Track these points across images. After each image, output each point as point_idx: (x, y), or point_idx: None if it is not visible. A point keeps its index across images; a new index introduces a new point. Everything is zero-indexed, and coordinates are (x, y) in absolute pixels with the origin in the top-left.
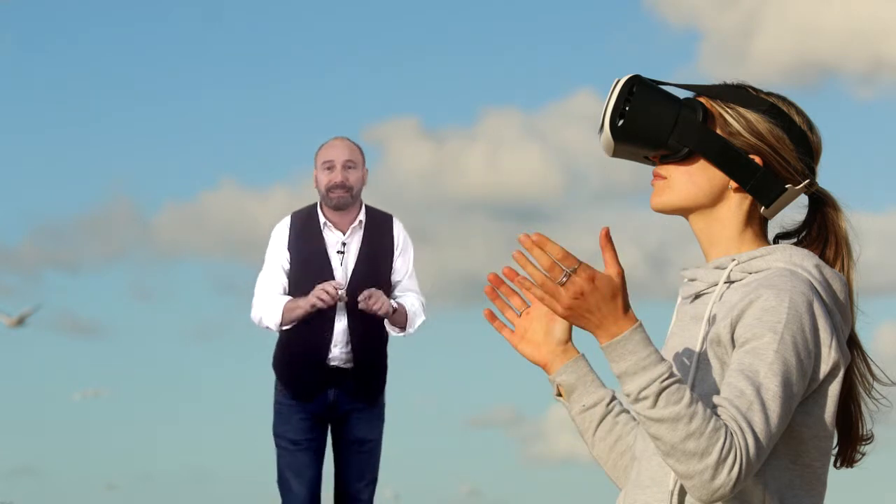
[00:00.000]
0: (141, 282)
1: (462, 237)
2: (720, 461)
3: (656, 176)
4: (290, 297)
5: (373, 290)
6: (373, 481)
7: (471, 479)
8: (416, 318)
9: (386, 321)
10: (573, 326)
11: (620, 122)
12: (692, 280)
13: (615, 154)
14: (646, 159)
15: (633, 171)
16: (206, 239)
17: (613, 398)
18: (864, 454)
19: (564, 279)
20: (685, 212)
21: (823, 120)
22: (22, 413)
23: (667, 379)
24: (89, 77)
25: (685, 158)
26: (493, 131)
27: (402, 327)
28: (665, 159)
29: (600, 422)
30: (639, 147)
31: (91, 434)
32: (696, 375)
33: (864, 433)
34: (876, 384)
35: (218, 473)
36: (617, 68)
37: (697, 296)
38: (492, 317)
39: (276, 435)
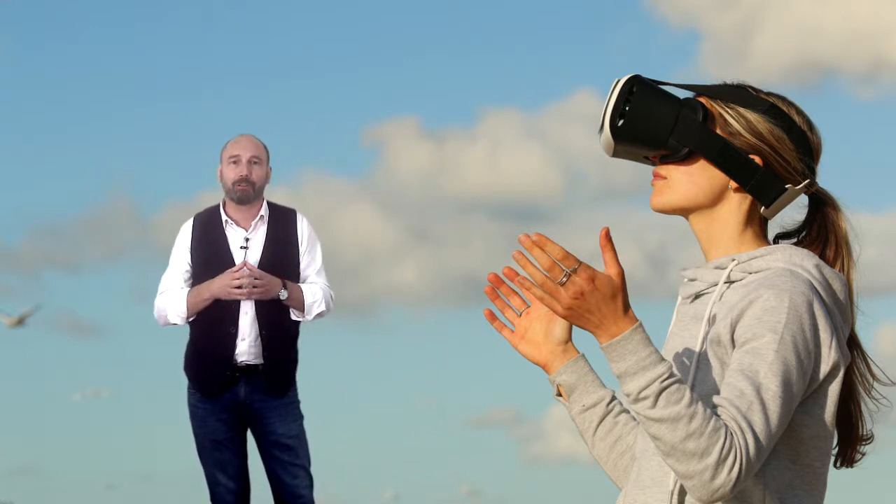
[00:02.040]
0: (141, 282)
1: (462, 237)
2: (720, 461)
3: (656, 176)
4: (180, 296)
5: (264, 276)
6: (307, 476)
7: (471, 479)
8: (316, 306)
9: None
10: (573, 326)
11: (620, 122)
12: (692, 280)
13: (615, 154)
14: (646, 159)
15: (633, 171)
16: None
17: (613, 398)
18: (864, 454)
19: (564, 279)
20: (685, 212)
21: (823, 120)
22: (22, 413)
23: (667, 379)
24: (89, 77)
25: (685, 158)
26: (493, 131)
27: (300, 310)
28: (665, 159)
29: (600, 422)
30: (639, 147)
31: (91, 434)
32: (696, 375)
33: (864, 433)
34: (876, 384)
35: None
36: (617, 68)
37: (697, 296)
38: (492, 317)
39: (197, 435)
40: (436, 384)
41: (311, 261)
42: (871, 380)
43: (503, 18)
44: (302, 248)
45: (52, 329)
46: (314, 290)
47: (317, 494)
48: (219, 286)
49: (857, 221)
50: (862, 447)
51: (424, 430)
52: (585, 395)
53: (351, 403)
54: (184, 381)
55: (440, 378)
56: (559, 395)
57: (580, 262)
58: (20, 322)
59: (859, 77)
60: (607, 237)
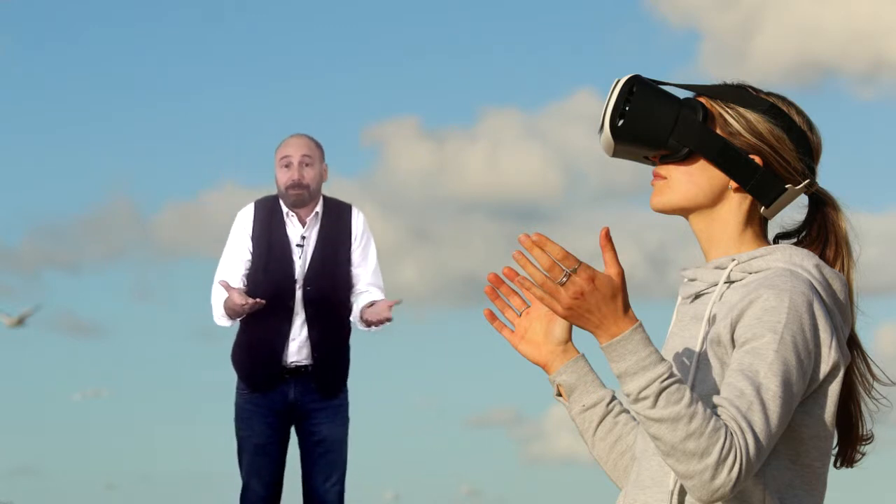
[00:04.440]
0: (141, 282)
1: (462, 237)
2: (720, 461)
3: (656, 176)
4: (225, 296)
5: (377, 316)
6: (339, 482)
7: (471, 479)
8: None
9: (360, 317)
10: (573, 326)
11: (620, 122)
12: (692, 280)
13: (615, 154)
14: (646, 159)
15: (633, 171)
16: (206, 239)
17: (613, 398)
18: (864, 454)
19: (564, 279)
20: (685, 212)
21: (823, 120)
22: (22, 413)
23: (667, 379)
24: (89, 77)
25: (685, 158)
26: (493, 131)
27: (378, 325)
28: (665, 159)
29: (600, 422)
30: (639, 147)
31: (91, 434)
32: (696, 375)
33: (864, 433)
34: (876, 384)
35: (217, 474)
36: (617, 68)
37: (697, 296)
38: (492, 317)
39: (239, 437)
40: (436, 384)
41: (363, 259)
42: (871, 380)
43: (503, 18)
44: (354, 245)
45: (52, 329)
46: (381, 297)
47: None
48: (232, 307)
49: (857, 221)
50: (862, 447)
51: (424, 430)
52: (585, 395)
53: (351, 403)
54: (184, 382)
55: (440, 378)
56: (559, 395)
57: (580, 262)
58: (20, 322)
59: (859, 77)
60: (607, 237)
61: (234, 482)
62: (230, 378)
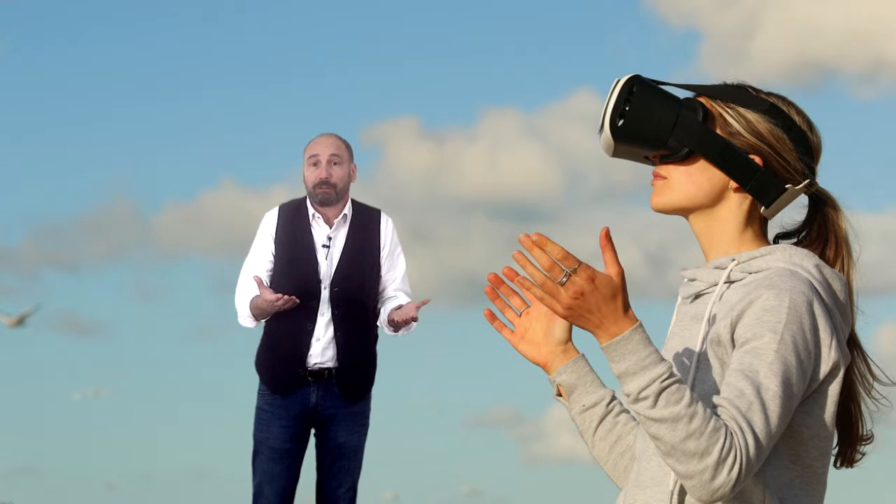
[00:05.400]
0: (141, 282)
1: (462, 237)
2: (720, 461)
3: (656, 176)
4: (255, 294)
5: (404, 315)
6: (352, 488)
7: (471, 479)
8: (415, 323)
9: (388, 322)
10: (573, 326)
11: (620, 122)
12: (692, 280)
13: (615, 154)
14: (646, 159)
15: (633, 171)
16: (206, 239)
17: (613, 398)
18: (864, 454)
19: (564, 279)
20: (685, 212)
21: (823, 120)
22: (22, 413)
23: (667, 379)
24: (89, 76)
25: (685, 158)
26: (493, 131)
27: (405, 329)
28: (665, 159)
29: (600, 422)
30: (639, 147)
31: (91, 434)
32: (696, 375)
33: (864, 433)
34: (876, 384)
35: (218, 473)
36: (617, 68)
37: (697, 296)
38: (492, 317)
39: (256, 440)
40: (436, 384)
41: (392, 266)
42: (871, 380)
43: (503, 18)
44: (384, 252)
45: (52, 329)
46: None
47: (314, 494)
48: (262, 305)
49: (857, 221)
50: (862, 447)
51: (425, 430)
52: (585, 395)
53: None
54: (184, 382)
55: (440, 378)
56: (559, 395)
57: (580, 262)
58: (20, 322)
59: (859, 77)
60: (607, 237)
61: (234, 482)
62: (228, 377)
